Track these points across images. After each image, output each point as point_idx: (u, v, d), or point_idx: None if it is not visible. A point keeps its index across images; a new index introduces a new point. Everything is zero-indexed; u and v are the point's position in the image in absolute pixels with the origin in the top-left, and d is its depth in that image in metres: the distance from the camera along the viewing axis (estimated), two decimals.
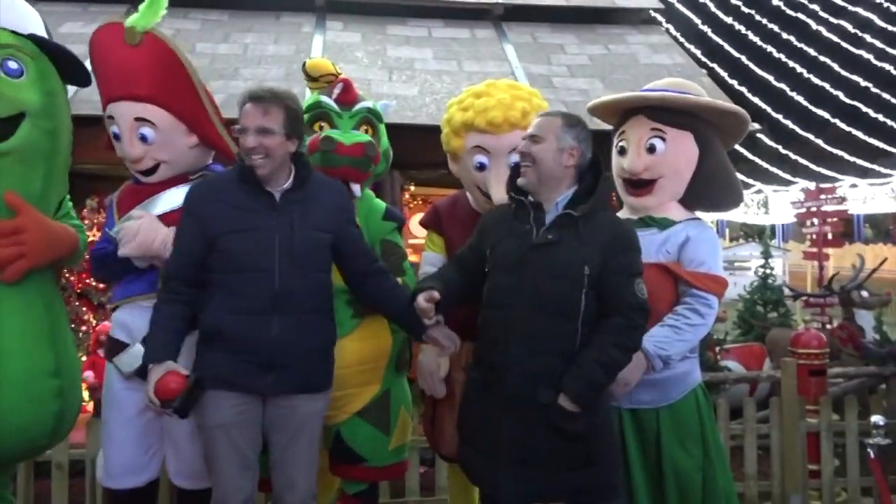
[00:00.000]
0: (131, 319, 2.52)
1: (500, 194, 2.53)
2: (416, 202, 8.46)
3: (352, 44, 6.60)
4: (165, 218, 2.51)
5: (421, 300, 2.25)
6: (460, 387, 2.49)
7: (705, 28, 11.38)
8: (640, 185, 2.75)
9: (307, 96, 2.86)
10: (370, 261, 2.49)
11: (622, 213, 2.82)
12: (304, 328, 2.28)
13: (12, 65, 2.33)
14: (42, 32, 2.53)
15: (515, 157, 2.42)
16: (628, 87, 3.31)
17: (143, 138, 2.57)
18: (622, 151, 2.80)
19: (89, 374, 4.93)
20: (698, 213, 2.83)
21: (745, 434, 4.04)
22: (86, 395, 5.38)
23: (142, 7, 2.53)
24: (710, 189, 2.77)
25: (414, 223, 7.44)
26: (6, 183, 2.31)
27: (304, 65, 2.83)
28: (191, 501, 2.60)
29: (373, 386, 2.69)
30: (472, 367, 2.39)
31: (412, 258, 2.98)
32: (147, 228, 2.45)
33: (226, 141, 2.64)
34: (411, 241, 5.96)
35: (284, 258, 2.25)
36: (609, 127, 3.01)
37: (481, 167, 2.68)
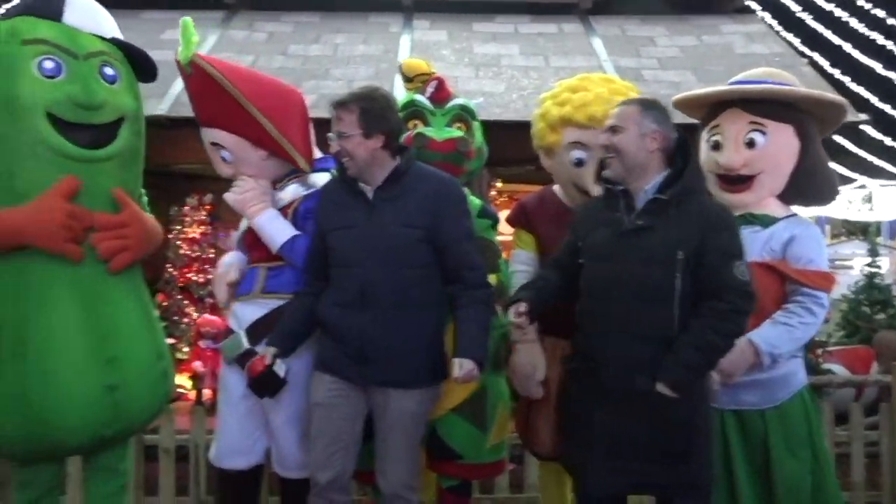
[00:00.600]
0: (242, 313, 2.64)
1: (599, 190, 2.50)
2: (502, 199, 8.44)
3: (438, 42, 6.66)
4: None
5: (512, 316, 2.30)
6: (556, 385, 2.48)
7: (804, 15, 10.85)
8: (737, 182, 2.64)
9: (402, 95, 2.90)
10: (463, 270, 2.40)
11: None
12: (391, 324, 2.32)
13: (109, 71, 2.44)
14: (119, 35, 2.60)
15: None
16: (723, 78, 3.18)
17: (224, 159, 2.71)
18: (716, 146, 2.69)
19: (198, 364, 5.18)
20: (795, 208, 2.72)
21: (851, 440, 3.84)
22: (189, 383, 5.65)
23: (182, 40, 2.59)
24: (810, 183, 2.66)
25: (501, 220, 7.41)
26: (111, 182, 2.45)
27: (400, 66, 2.89)
28: (291, 489, 2.68)
29: (470, 384, 2.70)
30: (571, 359, 2.38)
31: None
32: (252, 196, 2.62)
33: (291, 149, 2.64)
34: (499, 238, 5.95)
35: (372, 254, 2.32)
36: (690, 120, 2.91)
37: (579, 163, 2.64)
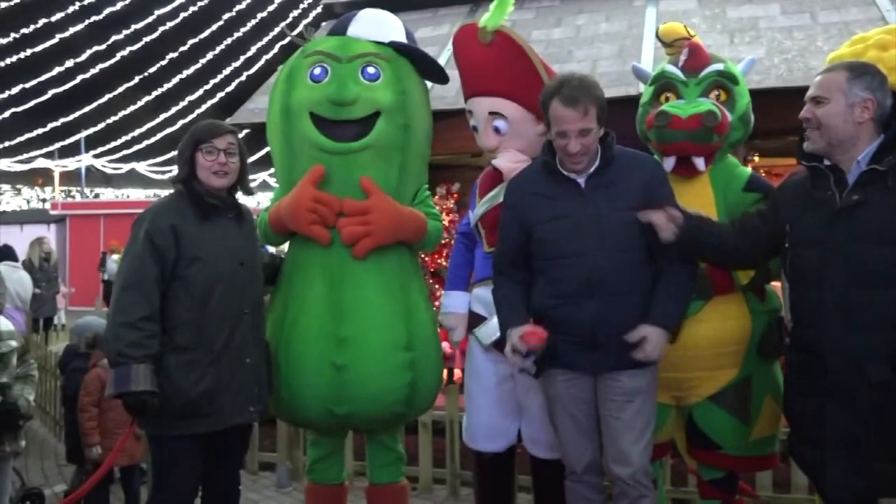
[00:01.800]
0: (489, 296, 2.71)
1: None
2: (760, 174, 7.78)
3: (687, 10, 6.27)
4: None
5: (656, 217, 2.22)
6: None
7: None
8: None
9: (652, 67, 2.78)
10: (670, 246, 2.31)
11: None
12: (621, 308, 2.29)
13: (370, 70, 2.67)
14: (402, 38, 2.84)
15: None
16: None
17: (497, 130, 2.74)
18: None
19: (445, 345, 5.46)
20: None
21: None
22: None
23: (491, 7, 2.71)
24: None
25: None
26: (363, 172, 2.65)
27: (656, 31, 2.78)
28: (544, 470, 2.74)
29: (729, 370, 2.55)
30: (790, 350, 2.22)
31: None
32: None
33: None
34: None
35: (595, 241, 2.27)
36: None
37: None
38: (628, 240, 2.31)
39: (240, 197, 2.69)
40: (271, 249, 4.50)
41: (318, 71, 2.67)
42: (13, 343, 3.27)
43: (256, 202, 19.82)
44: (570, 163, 2.33)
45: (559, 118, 2.27)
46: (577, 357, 2.34)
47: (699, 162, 2.54)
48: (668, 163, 2.57)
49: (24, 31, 26.57)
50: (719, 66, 2.61)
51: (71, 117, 29.23)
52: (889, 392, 1.94)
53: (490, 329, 2.67)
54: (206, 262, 2.45)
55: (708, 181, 2.59)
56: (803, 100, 2.13)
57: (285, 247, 2.97)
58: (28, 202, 34.60)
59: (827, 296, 2.03)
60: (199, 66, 30.44)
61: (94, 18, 28.05)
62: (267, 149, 2.88)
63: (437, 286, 6.57)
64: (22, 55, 26.79)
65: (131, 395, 2.31)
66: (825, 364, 2.04)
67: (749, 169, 2.73)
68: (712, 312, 2.51)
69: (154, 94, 30.45)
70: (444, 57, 5.92)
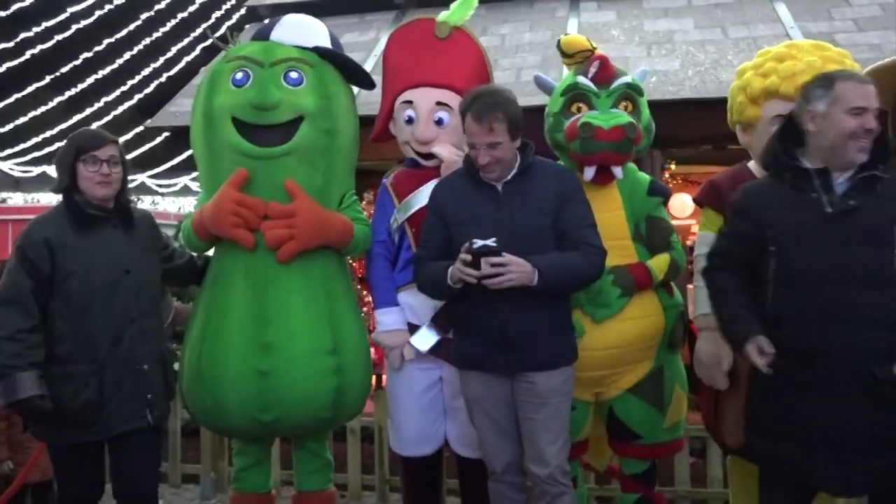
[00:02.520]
0: (416, 302, 2.73)
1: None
2: (676, 182, 8.08)
3: (607, 22, 6.47)
4: None
5: (754, 355, 2.13)
6: (747, 373, 2.33)
7: None
8: None
9: (564, 78, 2.87)
10: (582, 245, 2.42)
11: None
12: (531, 310, 2.35)
13: (293, 75, 2.67)
14: (327, 43, 2.83)
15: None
16: None
17: (439, 122, 2.77)
18: None
19: (372, 351, 5.43)
20: None
21: None
22: None
23: (454, 5, 2.84)
24: None
25: (674, 203, 7.10)
26: (287, 176, 2.62)
27: (558, 43, 2.85)
28: (471, 470, 2.79)
29: (645, 363, 2.68)
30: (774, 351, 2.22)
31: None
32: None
33: None
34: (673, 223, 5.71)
35: (508, 244, 2.32)
36: None
37: None
38: (540, 243, 2.38)
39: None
40: None
41: (240, 76, 2.65)
42: None
43: (178, 207, 19.32)
44: (482, 172, 2.42)
45: (470, 132, 2.38)
46: (491, 359, 2.40)
47: (617, 171, 2.66)
48: (589, 172, 2.66)
49: None
50: (627, 79, 2.74)
51: None
52: (891, 388, 2.01)
53: (424, 335, 2.69)
54: (82, 273, 2.49)
55: (615, 187, 2.72)
56: (808, 110, 2.16)
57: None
58: None
59: (820, 296, 2.07)
60: (115, 66, 29.36)
61: (0, 14, 26.73)
62: (187, 153, 2.84)
63: (365, 292, 6.54)
64: None
65: (21, 403, 2.39)
66: (823, 364, 2.06)
67: (646, 174, 2.85)
68: (633, 310, 2.62)
69: (67, 94, 29.20)
70: (371, 63, 5.92)
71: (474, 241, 2.26)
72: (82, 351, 2.48)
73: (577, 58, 2.80)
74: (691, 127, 4.67)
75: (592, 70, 2.72)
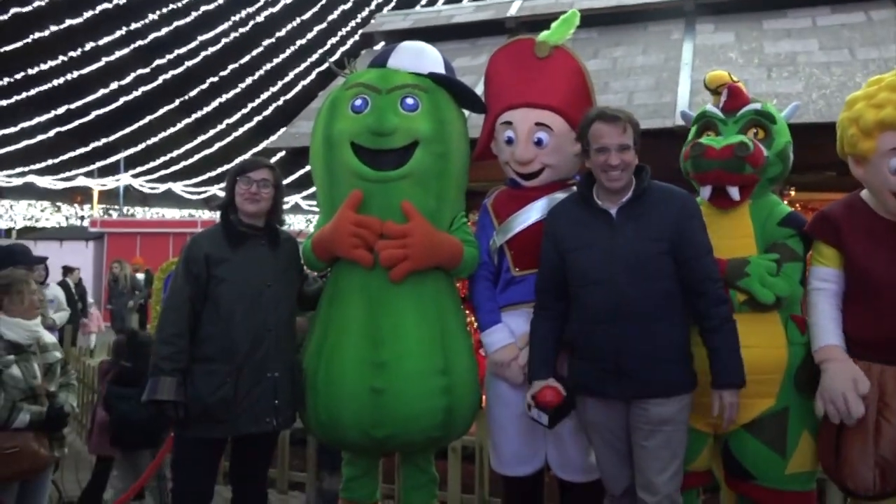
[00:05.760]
0: (515, 325, 2.75)
1: None
2: (794, 209, 7.70)
3: (724, 44, 6.29)
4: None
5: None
6: (873, 411, 2.20)
7: None
8: None
9: (678, 107, 2.86)
10: (704, 280, 2.41)
11: None
12: (648, 336, 2.34)
13: (409, 101, 2.75)
14: (440, 69, 2.91)
15: None
16: None
17: (539, 142, 2.79)
18: None
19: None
20: None
21: None
22: None
23: (555, 24, 2.89)
24: None
25: None
26: (403, 198, 2.71)
27: (704, 80, 2.90)
28: (573, 493, 2.78)
29: (766, 400, 2.54)
30: None
31: None
32: None
33: None
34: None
35: (622, 270, 2.34)
36: None
37: None
38: (656, 269, 2.37)
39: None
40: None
41: (358, 102, 2.75)
42: (58, 354, 3.43)
43: (288, 224, 20.12)
44: (607, 180, 2.41)
45: (600, 134, 2.40)
46: (605, 384, 2.39)
47: (733, 191, 2.61)
48: (705, 192, 2.65)
49: (72, 54, 27.46)
50: (756, 106, 2.71)
51: (112, 137, 30.00)
52: None
53: (538, 416, 2.62)
54: (231, 283, 2.75)
55: (748, 214, 2.66)
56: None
57: None
58: (67, 219, 35.41)
59: None
60: (237, 90, 31.09)
61: (139, 43, 28.89)
62: (301, 171, 3.01)
63: (468, 311, 6.59)
64: (69, 77, 27.66)
65: (157, 404, 2.66)
66: None
67: (790, 208, 2.76)
68: (753, 337, 2.50)
69: (193, 116, 31.15)
70: (482, 87, 6.00)
71: (531, 408, 2.50)
72: (224, 352, 2.71)
73: (720, 91, 2.81)
74: (813, 153, 4.46)
75: (723, 99, 2.75)
